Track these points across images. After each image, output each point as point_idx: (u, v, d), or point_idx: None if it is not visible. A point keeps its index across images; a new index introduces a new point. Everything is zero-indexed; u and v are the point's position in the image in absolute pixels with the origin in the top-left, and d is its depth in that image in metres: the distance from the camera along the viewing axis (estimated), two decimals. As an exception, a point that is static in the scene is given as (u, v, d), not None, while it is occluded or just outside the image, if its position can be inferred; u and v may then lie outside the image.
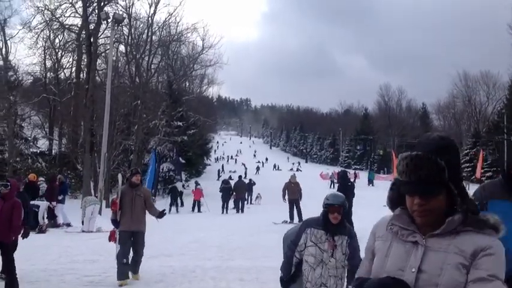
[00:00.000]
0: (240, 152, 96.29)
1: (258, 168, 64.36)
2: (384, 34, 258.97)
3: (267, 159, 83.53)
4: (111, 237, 8.26)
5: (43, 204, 15.67)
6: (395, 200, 1.90)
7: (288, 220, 17.31)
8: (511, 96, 55.31)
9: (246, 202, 27.87)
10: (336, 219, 4.38)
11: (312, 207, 22.93)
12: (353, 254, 4.42)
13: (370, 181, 49.27)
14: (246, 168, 59.25)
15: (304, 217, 11.19)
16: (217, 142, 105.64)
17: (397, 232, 1.84)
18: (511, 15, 54.48)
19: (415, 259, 1.73)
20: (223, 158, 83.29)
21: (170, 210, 25.91)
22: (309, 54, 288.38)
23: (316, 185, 38.52)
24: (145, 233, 8.10)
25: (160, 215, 8.21)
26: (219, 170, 58.10)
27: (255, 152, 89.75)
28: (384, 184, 42.15)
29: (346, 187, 13.17)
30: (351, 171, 57.36)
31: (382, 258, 1.84)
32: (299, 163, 79.49)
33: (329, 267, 4.39)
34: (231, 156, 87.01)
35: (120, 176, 9.02)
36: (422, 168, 1.70)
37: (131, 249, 7.91)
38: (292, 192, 17.68)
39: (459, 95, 71.41)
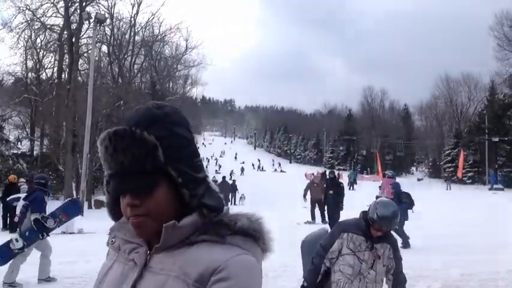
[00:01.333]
0: (224, 153, 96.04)
1: (242, 169, 64.32)
2: (364, 38, 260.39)
3: (256, 163, 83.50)
4: None
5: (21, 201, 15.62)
6: (112, 204, 1.26)
7: (311, 220, 16.91)
8: (492, 97, 56.15)
9: (229, 203, 27.85)
10: (377, 235, 3.86)
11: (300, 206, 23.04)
12: (398, 265, 3.95)
13: (354, 181, 49.57)
14: (231, 170, 59.33)
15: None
16: (203, 143, 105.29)
17: (119, 247, 1.25)
18: (492, 18, 55.14)
19: (127, 286, 1.14)
20: (207, 159, 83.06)
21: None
22: (291, 58, 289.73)
23: (303, 184, 38.49)
24: None
25: None
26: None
27: (236, 154, 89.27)
28: (367, 184, 42.45)
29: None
30: (334, 172, 57.84)
31: (96, 285, 1.26)
32: (279, 164, 79.73)
33: (367, 280, 3.85)
34: (215, 158, 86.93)
35: None
36: (126, 150, 1.10)
37: None
38: (315, 192, 17.05)
39: (441, 96, 72.33)
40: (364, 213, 3.89)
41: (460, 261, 8.93)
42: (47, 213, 8.06)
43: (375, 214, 3.75)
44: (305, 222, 16.50)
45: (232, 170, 58.82)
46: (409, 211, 12.18)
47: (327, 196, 14.24)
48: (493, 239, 10.81)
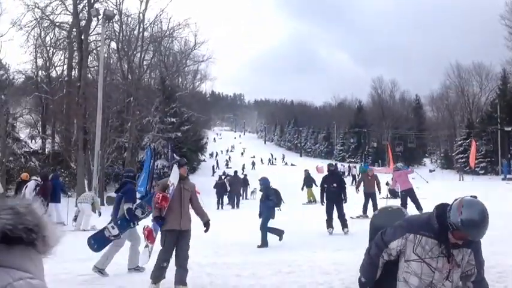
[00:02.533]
0: (233, 148, 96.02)
1: (253, 164, 64.30)
2: (373, 29, 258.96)
3: (264, 159, 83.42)
4: (149, 237, 7.42)
5: (30, 183, 15.86)
6: None
7: (362, 214, 16.47)
8: (503, 86, 55.58)
9: (241, 197, 27.83)
10: (456, 242, 3.07)
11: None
12: (480, 272, 3.18)
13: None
14: (243, 164, 59.45)
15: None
16: (214, 138, 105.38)
17: None
18: (503, 6, 54.41)
19: None
20: (217, 153, 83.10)
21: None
22: (297, 51, 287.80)
23: (317, 178, 38.37)
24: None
25: (207, 224, 7.06)
26: (213, 166, 57.97)
27: (244, 150, 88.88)
28: (379, 176, 42.13)
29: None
30: (345, 165, 57.58)
31: None
32: (283, 156, 79.84)
33: None
34: (227, 151, 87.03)
35: (175, 168, 7.24)
36: None
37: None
38: (369, 185, 16.65)
39: (452, 86, 71.66)
40: (438, 210, 3.12)
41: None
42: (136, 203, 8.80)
43: (458, 218, 2.92)
44: (357, 216, 16.03)
45: (244, 164, 58.92)
46: (277, 209, 11.94)
47: (328, 189, 13.23)
48: (511, 230, 10.64)
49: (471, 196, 3.11)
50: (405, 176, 15.42)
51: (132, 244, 8.57)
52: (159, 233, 7.19)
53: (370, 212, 15.77)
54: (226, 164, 62.14)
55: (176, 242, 6.75)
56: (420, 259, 3.09)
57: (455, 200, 3.06)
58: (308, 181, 25.74)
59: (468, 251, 3.09)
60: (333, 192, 12.88)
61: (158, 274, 6.76)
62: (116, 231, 8.22)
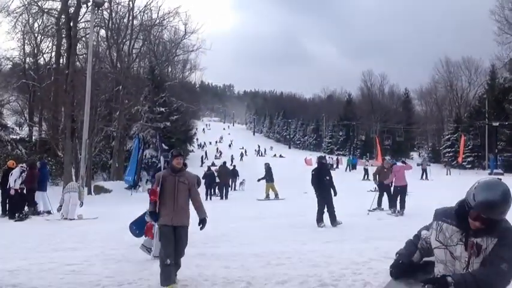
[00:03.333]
0: (222, 138, 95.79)
1: (242, 155, 64.24)
2: (363, 22, 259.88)
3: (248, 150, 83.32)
4: (147, 232, 7.35)
5: (15, 171, 15.73)
6: None
7: (377, 207, 16.07)
8: (492, 81, 55.92)
9: (230, 188, 27.77)
10: (476, 225, 2.93)
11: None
12: (485, 264, 2.90)
13: (353, 166, 49.70)
14: (232, 155, 59.36)
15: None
16: (203, 129, 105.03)
17: None
18: (493, 1, 54.54)
19: None
20: (204, 144, 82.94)
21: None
22: (285, 42, 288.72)
23: (302, 169, 38.42)
24: (188, 227, 6.61)
25: (203, 221, 6.48)
26: (202, 157, 57.87)
27: (231, 141, 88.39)
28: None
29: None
30: (333, 157, 57.74)
31: None
32: (271, 148, 79.93)
33: None
34: (216, 142, 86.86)
35: (162, 159, 7.29)
36: None
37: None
38: (385, 178, 16.05)
39: (441, 81, 72.02)
40: (461, 209, 3.04)
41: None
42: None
43: (471, 195, 2.88)
44: (374, 209, 15.73)
45: (232, 155, 58.84)
46: None
47: (322, 182, 12.83)
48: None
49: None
50: (403, 171, 15.30)
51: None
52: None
53: (385, 205, 15.73)
54: (219, 156, 61.87)
55: (173, 236, 6.35)
56: (443, 245, 3.05)
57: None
58: (269, 175, 24.30)
59: (494, 240, 2.87)
60: (325, 186, 12.73)
61: (166, 275, 6.26)
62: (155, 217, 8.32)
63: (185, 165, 6.95)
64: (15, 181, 15.44)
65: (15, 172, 15.67)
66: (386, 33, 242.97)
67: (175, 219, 6.34)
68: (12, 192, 15.33)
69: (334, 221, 12.41)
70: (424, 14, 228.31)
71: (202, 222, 6.44)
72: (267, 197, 23.61)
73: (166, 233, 6.34)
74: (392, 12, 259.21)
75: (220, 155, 63.96)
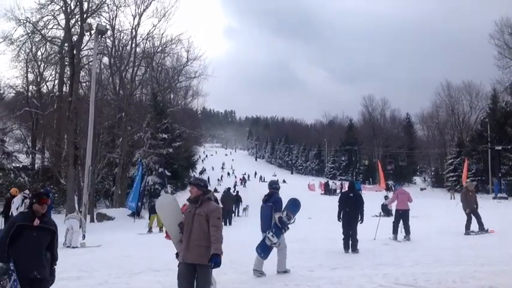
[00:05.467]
0: (224, 165, 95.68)
1: (244, 181, 64.09)
2: (362, 48, 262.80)
3: (252, 176, 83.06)
4: None
5: (17, 198, 15.56)
6: None
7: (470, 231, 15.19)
8: (493, 105, 56.00)
9: (233, 214, 27.58)
10: None
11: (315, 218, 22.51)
12: None
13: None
14: (237, 180, 59.29)
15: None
16: (206, 156, 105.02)
17: None
18: (493, 26, 55.08)
19: None
20: (204, 169, 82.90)
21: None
22: (283, 69, 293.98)
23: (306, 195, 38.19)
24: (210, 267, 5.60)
25: (215, 258, 5.48)
26: (205, 183, 57.63)
27: (232, 168, 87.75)
28: (370, 195, 42.06)
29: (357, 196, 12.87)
30: (336, 182, 57.48)
31: None
32: (275, 174, 79.38)
33: None
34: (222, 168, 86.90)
35: (169, 189, 6.17)
36: None
37: None
38: (470, 201, 15.39)
39: (442, 105, 72.28)
40: None
41: (477, 273, 8.65)
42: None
43: None
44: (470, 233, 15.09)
45: (235, 182, 58.79)
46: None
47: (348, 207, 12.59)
48: (508, 249, 10.52)
49: None
50: (407, 197, 15.07)
51: (278, 250, 9.33)
52: None
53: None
54: (220, 181, 61.66)
55: (191, 276, 5.63)
56: None
57: None
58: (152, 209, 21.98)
59: None
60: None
61: None
62: (275, 239, 9.07)
63: (205, 193, 5.90)
64: (17, 209, 15.30)
65: (17, 200, 15.57)
66: (386, 60, 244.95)
67: (187, 256, 5.61)
68: None
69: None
70: (424, 40, 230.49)
71: (212, 258, 5.46)
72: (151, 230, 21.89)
73: (180, 271, 5.70)
74: (392, 39, 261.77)
75: (220, 180, 63.95)
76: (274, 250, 9.29)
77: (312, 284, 8.24)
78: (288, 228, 9.38)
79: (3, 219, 16.28)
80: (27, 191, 16.36)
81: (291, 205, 9.83)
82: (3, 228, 5.50)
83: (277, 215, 9.18)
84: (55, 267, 5.57)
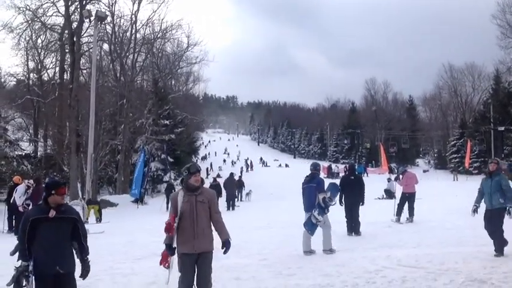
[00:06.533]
0: (226, 150, 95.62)
1: (247, 166, 64.16)
2: (365, 30, 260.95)
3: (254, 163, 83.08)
4: (162, 261, 6.30)
5: (20, 187, 15.45)
6: None
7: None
8: (496, 86, 55.74)
9: (236, 199, 27.63)
10: None
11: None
12: None
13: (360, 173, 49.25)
14: (245, 165, 59.37)
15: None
16: (209, 141, 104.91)
17: None
18: (495, 6, 54.45)
19: None
20: (209, 155, 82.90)
21: (167, 208, 25.72)
22: (282, 54, 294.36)
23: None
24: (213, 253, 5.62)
25: (226, 243, 5.57)
26: (207, 169, 57.77)
27: (238, 155, 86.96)
28: (373, 178, 42.12)
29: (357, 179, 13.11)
30: (339, 166, 57.47)
31: None
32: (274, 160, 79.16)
33: None
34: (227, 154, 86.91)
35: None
36: None
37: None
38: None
39: (445, 87, 71.94)
40: None
41: (479, 253, 8.67)
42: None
43: None
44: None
45: (242, 167, 58.89)
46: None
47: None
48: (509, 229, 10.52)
49: None
50: (414, 180, 15.03)
51: (324, 228, 9.72)
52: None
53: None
54: (237, 165, 61.72)
55: (195, 264, 5.48)
56: None
57: None
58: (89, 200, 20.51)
59: None
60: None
61: None
62: (320, 218, 9.50)
63: (202, 181, 5.85)
64: (20, 198, 15.28)
65: (20, 188, 15.51)
66: (388, 42, 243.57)
67: (198, 246, 5.41)
68: (20, 209, 15.01)
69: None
70: (426, 21, 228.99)
71: (226, 244, 5.53)
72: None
73: (187, 262, 5.44)
74: (394, 21, 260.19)
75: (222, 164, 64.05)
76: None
77: (315, 266, 8.27)
78: (329, 210, 9.75)
79: (6, 207, 16.30)
80: (31, 181, 16.22)
81: (333, 189, 10.27)
82: (19, 227, 5.13)
83: (321, 195, 9.59)
84: (87, 258, 5.29)
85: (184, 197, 5.48)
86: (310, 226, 9.60)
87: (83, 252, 5.25)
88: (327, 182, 11.07)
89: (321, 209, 9.54)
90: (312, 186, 9.76)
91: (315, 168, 10.22)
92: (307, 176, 10.15)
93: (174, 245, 5.52)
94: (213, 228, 5.57)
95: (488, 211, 8.74)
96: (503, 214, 8.63)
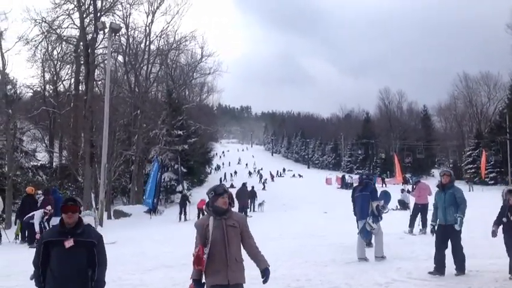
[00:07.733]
0: (240, 160, 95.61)
1: (261, 176, 64.12)
2: (379, 41, 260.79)
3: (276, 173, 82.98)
4: None
5: (37, 213, 15.32)
6: None
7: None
8: (512, 96, 55.15)
9: (249, 210, 27.58)
10: None
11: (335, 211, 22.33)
12: None
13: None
14: (261, 176, 59.36)
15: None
16: (222, 152, 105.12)
17: None
18: (509, 16, 54.21)
19: None
20: (223, 165, 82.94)
21: (180, 218, 25.83)
22: (288, 65, 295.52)
23: (322, 189, 38.17)
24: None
25: (266, 272, 4.76)
26: (221, 179, 57.87)
27: (255, 165, 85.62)
28: (388, 188, 41.75)
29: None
30: (353, 176, 57.16)
31: None
32: (284, 169, 78.77)
33: None
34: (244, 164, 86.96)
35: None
36: None
37: None
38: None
39: (460, 96, 71.40)
40: None
41: (492, 266, 8.57)
42: None
43: None
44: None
45: (266, 178, 57.98)
46: None
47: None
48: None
49: None
50: (427, 191, 14.90)
51: (376, 235, 10.11)
52: None
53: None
54: (233, 176, 61.71)
55: None
56: None
57: None
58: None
59: None
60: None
61: None
62: (375, 225, 9.88)
63: (230, 203, 4.98)
64: (38, 224, 15.11)
65: (38, 215, 15.26)
66: (402, 52, 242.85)
67: (232, 276, 4.62)
68: (37, 236, 14.03)
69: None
70: (441, 30, 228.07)
71: (266, 272, 4.76)
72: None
73: None
74: (408, 31, 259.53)
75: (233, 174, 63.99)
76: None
77: (324, 278, 8.21)
78: (382, 218, 10.12)
79: (18, 221, 16.34)
80: (49, 207, 15.48)
81: (385, 197, 10.71)
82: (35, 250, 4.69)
83: (375, 203, 10.00)
84: None
85: (213, 222, 4.75)
86: (366, 233, 10.05)
87: (96, 285, 4.54)
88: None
89: (374, 216, 9.92)
90: (365, 194, 10.23)
91: (368, 177, 10.77)
92: (358, 185, 10.71)
93: (203, 279, 4.73)
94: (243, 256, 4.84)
95: (441, 226, 8.41)
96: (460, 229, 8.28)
